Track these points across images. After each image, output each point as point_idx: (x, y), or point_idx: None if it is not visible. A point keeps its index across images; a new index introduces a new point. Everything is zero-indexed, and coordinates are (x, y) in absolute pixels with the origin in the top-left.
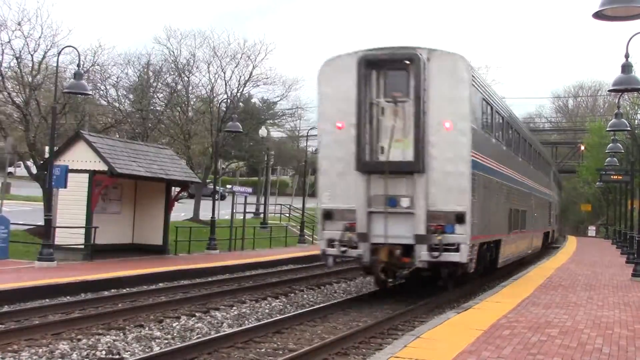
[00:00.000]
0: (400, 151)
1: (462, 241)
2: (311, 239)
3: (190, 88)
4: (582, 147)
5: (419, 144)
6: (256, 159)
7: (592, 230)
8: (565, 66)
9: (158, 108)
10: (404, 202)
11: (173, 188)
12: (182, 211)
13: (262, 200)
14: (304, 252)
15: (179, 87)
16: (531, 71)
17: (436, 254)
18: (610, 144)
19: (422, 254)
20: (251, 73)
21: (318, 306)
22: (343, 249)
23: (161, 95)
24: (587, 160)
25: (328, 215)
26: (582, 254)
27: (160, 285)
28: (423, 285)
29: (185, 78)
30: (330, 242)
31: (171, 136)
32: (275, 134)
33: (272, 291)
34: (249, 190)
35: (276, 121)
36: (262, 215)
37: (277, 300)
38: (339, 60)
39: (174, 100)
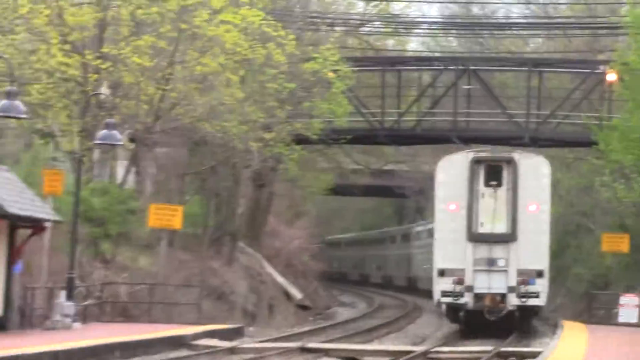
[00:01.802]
0: (499, 223)
1: (542, 290)
2: None
3: None
4: (612, 77)
5: (514, 220)
6: None
7: (630, 306)
8: None
9: None
10: (501, 262)
11: None
12: None
13: None
14: None
15: None
16: None
17: (523, 299)
18: None
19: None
20: None
21: None
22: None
23: None
24: (623, 113)
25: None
26: None
27: None
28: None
29: None
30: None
31: None
32: None
33: None
34: None
35: None
36: None
37: None
38: (453, 157)
39: None
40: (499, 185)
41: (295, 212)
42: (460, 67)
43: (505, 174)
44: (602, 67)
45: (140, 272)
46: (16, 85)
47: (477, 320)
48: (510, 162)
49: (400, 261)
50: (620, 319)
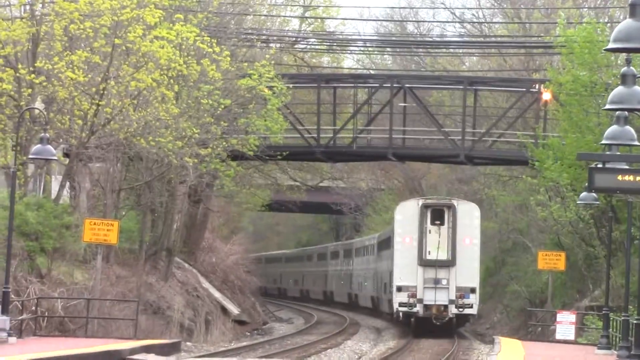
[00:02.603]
0: (442, 252)
1: (475, 302)
2: None
3: None
4: (547, 96)
5: (453, 250)
6: None
7: (567, 323)
8: None
9: None
10: (444, 281)
11: None
12: None
13: None
14: None
15: None
16: None
17: (460, 309)
18: (619, 87)
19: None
20: None
21: None
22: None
23: None
24: (557, 131)
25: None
26: None
27: None
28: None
29: None
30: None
31: None
32: None
33: None
34: None
35: None
36: None
37: None
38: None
39: None
40: (442, 224)
41: (232, 228)
42: (396, 85)
43: (447, 216)
44: (537, 86)
45: (76, 287)
46: None
47: (425, 324)
48: (450, 207)
49: (317, 277)
50: (557, 336)
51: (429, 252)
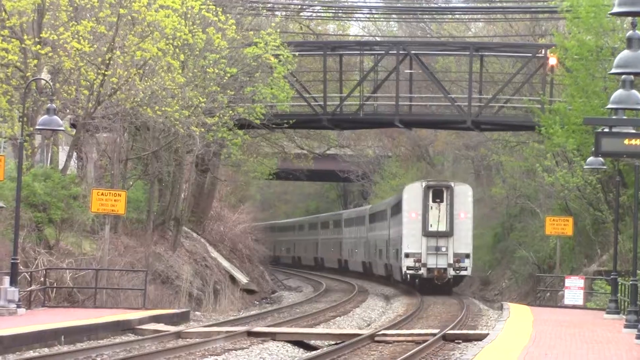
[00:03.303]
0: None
1: (469, 265)
2: None
3: None
4: (553, 61)
5: (451, 223)
6: None
7: (575, 288)
8: None
9: None
10: (444, 249)
11: None
12: None
13: None
14: None
15: None
16: None
17: (457, 271)
18: (625, 51)
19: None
20: None
21: None
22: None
23: None
24: (563, 96)
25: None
26: None
27: None
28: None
29: None
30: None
31: None
32: None
33: None
34: None
35: None
36: None
37: None
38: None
39: None
40: (442, 201)
41: (240, 197)
42: (402, 52)
43: (445, 195)
44: (543, 51)
45: (84, 258)
46: None
47: (428, 284)
48: (449, 187)
49: (308, 245)
50: (566, 301)
51: (431, 224)
